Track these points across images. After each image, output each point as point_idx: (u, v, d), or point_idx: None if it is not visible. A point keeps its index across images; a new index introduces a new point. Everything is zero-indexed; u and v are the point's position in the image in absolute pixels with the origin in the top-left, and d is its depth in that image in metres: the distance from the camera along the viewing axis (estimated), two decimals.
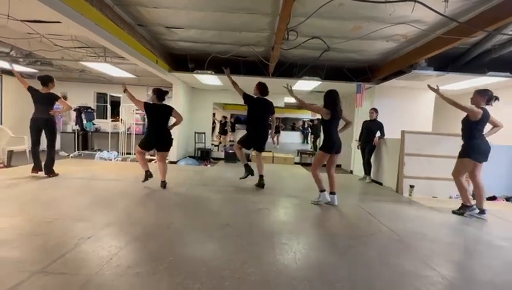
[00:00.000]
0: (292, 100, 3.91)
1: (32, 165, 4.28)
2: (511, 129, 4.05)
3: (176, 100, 7.36)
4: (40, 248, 1.98)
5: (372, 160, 5.69)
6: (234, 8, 3.70)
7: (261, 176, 4.38)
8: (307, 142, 18.56)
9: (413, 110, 6.44)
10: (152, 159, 6.85)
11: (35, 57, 6.03)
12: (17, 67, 6.37)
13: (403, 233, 2.76)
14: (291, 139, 19.92)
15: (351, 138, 7.42)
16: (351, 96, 7.14)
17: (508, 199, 4.73)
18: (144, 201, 3.41)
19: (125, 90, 3.97)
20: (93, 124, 8.79)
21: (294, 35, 4.22)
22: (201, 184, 4.49)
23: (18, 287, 1.52)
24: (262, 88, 4.29)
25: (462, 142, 3.47)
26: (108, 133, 8.16)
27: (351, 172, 7.26)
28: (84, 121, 8.63)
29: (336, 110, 3.47)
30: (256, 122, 4.29)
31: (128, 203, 3.31)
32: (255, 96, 4.30)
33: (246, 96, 4.22)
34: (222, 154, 8.70)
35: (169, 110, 3.94)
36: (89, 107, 8.79)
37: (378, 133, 5.53)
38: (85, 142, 8.75)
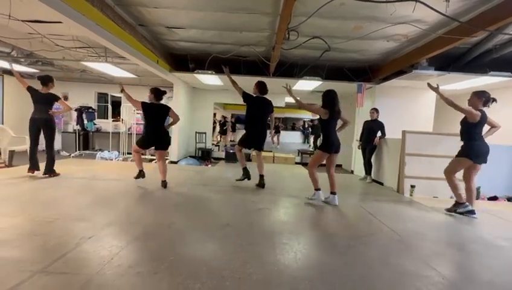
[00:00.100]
0: (293, 100, 3.91)
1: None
2: None
3: (177, 100, 7.36)
4: (41, 248, 1.98)
5: (373, 160, 5.69)
6: (234, 8, 3.70)
7: (261, 176, 4.37)
8: (308, 142, 18.56)
9: (414, 110, 6.43)
10: (153, 159, 6.86)
11: (36, 57, 6.05)
12: (18, 67, 6.40)
13: (403, 233, 2.76)
14: (291, 139, 19.92)
15: (351, 138, 7.42)
16: (351, 96, 7.13)
17: (509, 199, 4.72)
18: (145, 201, 3.42)
19: (122, 90, 4.00)
20: (94, 124, 8.82)
21: (295, 35, 4.22)
22: (201, 184, 4.49)
23: (19, 286, 1.52)
24: (261, 87, 4.29)
25: (461, 143, 3.47)
26: (109, 133, 8.17)
27: (352, 172, 7.26)
28: (85, 121, 8.66)
29: (334, 110, 3.48)
30: (255, 121, 4.29)
31: (129, 203, 3.31)
32: (254, 95, 4.30)
33: (245, 95, 4.23)
34: (223, 154, 8.71)
35: (166, 110, 3.96)
36: (90, 107, 8.82)
37: (379, 133, 5.52)
38: (86, 142, 8.77)
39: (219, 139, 13.47)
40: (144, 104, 3.86)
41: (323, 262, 2.06)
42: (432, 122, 6.48)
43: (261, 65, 5.81)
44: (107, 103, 9.13)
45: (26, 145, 5.85)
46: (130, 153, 7.49)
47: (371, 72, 6.17)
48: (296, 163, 8.51)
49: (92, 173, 4.83)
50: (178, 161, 7.47)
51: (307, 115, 19.42)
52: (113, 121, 8.72)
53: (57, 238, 2.14)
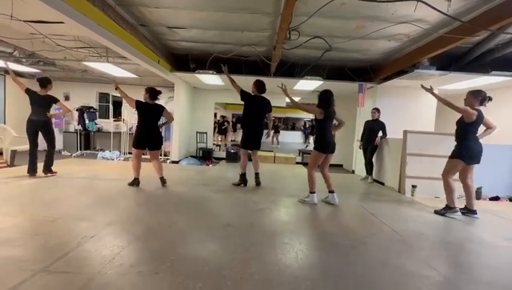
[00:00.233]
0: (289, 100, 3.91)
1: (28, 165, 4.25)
2: None
3: (178, 100, 7.37)
4: (42, 247, 1.99)
5: (374, 160, 5.68)
6: (235, 7, 3.70)
7: (256, 174, 4.40)
8: (309, 142, 18.56)
9: (416, 109, 6.41)
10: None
11: (38, 57, 6.06)
12: (20, 68, 6.43)
13: (405, 233, 2.75)
14: (292, 139, 19.92)
15: (352, 138, 7.41)
16: (353, 96, 7.12)
17: (511, 199, 4.69)
18: (146, 201, 3.43)
19: (116, 88, 4.03)
20: (96, 124, 8.83)
21: (296, 35, 4.21)
22: (202, 184, 4.49)
23: (20, 286, 1.53)
24: (259, 86, 4.31)
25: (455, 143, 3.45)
26: (110, 133, 8.19)
27: (353, 172, 7.25)
28: (87, 121, 8.68)
29: (329, 109, 3.49)
30: (253, 120, 4.30)
31: (130, 202, 3.32)
32: (252, 94, 4.31)
33: (243, 93, 4.24)
34: (223, 154, 8.71)
35: (161, 110, 3.99)
36: (91, 107, 8.84)
37: (380, 133, 5.51)
38: (87, 142, 8.79)
39: (219, 139, 13.45)
40: (138, 102, 3.87)
41: (324, 262, 2.06)
42: (434, 122, 6.46)
43: (262, 65, 5.81)
44: (109, 102, 9.14)
45: (27, 145, 5.87)
46: (131, 153, 7.51)
47: (372, 71, 6.16)
48: (297, 163, 8.51)
49: (93, 172, 4.85)
50: (179, 161, 7.48)
51: (307, 115, 19.40)
52: (114, 121, 8.73)
53: (58, 237, 2.15)
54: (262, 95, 4.35)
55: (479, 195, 4.52)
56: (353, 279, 1.84)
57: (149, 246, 2.13)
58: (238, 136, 12.33)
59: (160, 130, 4.10)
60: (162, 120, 4.21)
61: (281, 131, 17.60)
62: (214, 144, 10.41)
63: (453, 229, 3.06)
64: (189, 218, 2.85)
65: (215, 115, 13.58)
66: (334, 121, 3.68)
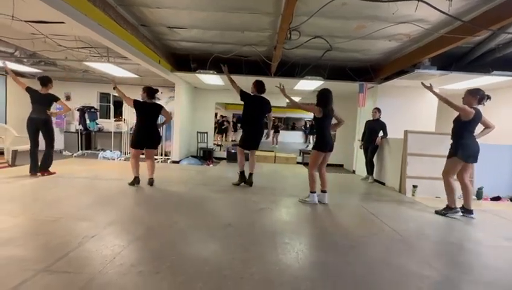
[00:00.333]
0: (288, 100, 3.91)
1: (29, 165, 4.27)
2: None
3: (178, 100, 7.37)
4: (44, 247, 2.00)
5: (374, 160, 5.67)
6: (236, 7, 3.70)
7: (250, 174, 4.40)
8: (309, 142, 18.55)
9: (416, 109, 6.40)
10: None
11: (39, 57, 6.07)
12: (21, 68, 6.44)
13: (405, 233, 2.75)
14: (292, 139, 19.92)
15: (353, 138, 7.40)
16: (353, 96, 7.11)
17: None
18: (146, 200, 3.43)
19: (115, 88, 4.05)
20: (97, 124, 8.85)
21: (297, 35, 4.21)
22: (203, 184, 4.50)
23: (22, 285, 1.53)
24: (259, 86, 4.32)
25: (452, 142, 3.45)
26: (111, 132, 8.20)
27: (354, 172, 7.24)
28: (88, 121, 8.70)
29: (328, 108, 3.51)
30: (252, 121, 4.31)
31: (131, 202, 3.33)
32: (252, 94, 4.32)
33: (242, 93, 4.26)
34: (224, 154, 8.71)
35: (159, 109, 4.00)
36: (92, 107, 8.85)
37: (381, 133, 5.51)
38: (88, 141, 8.81)
39: (218, 139, 13.45)
40: (136, 102, 3.89)
41: (325, 262, 2.06)
42: (434, 122, 6.44)
43: (263, 65, 5.81)
44: (109, 102, 9.15)
45: (28, 145, 5.88)
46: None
47: (372, 71, 6.15)
48: (298, 163, 8.51)
49: (94, 172, 4.86)
50: (180, 161, 7.48)
51: (307, 115, 19.39)
52: (115, 120, 8.74)
53: (59, 237, 2.16)
54: (262, 95, 4.36)
55: (480, 195, 4.51)
56: (353, 279, 1.84)
57: (150, 245, 2.14)
58: (239, 136, 12.31)
59: (159, 129, 4.11)
60: (161, 119, 4.22)
61: (281, 131, 17.61)
62: (214, 143, 10.42)
63: (454, 229, 3.06)
64: (189, 218, 2.85)
65: (216, 115, 13.58)
66: (334, 120, 3.69)
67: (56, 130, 7.59)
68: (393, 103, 6.29)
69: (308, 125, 19.91)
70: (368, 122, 5.76)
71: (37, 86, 4.27)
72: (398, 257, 2.21)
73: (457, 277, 1.97)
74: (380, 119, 5.56)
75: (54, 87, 4.45)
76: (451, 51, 4.30)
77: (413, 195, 4.47)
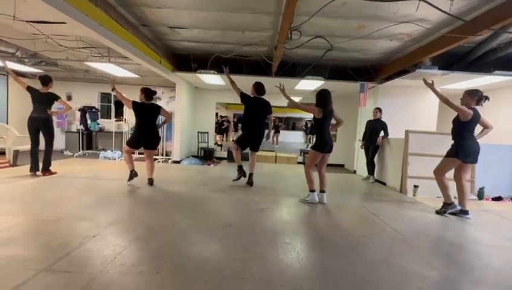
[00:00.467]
0: (294, 99, 3.91)
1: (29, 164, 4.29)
2: None
3: (179, 100, 7.38)
4: (45, 247, 2.00)
5: (375, 160, 5.66)
6: (237, 7, 3.70)
7: (250, 174, 4.41)
8: (310, 142, 18.53)
9: (417, 109, 6.38)
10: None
11: (40, 57, 6.09)
12: (23, 68, 6.45)
13: (406, 233, 2.75)
14: (293, 139, 19.92)
15: (354, 138, 7.39)
16: (354, 96, 7.10)
17: None
18: (147, 200, 3.44)
19: (113, 89, 4.07)
20: (98, 124, 8.87)
21: (298, 35, 4.21)
22: (204, 184, 4.50)
23: (24, 285, 1.54)
24: (258, 88, 4.33)
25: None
26: (112, 132, 8.22)
27: (354, 172, 7.23)
28: (89, 121, 8.71)
29: (327, 108, 3.51)
30: (253, 122, 4.32)
31: (132, 202, 3.33)
32: (252, 96, 4.32)
33: (242, 95, 4.27)
34: (225, 154, 8.72)
35: (157, 109, 4.02)
36: (93, 107, 8.87)
37: (382, 133, 5.49)
38: (89, 141, 8.83)
39: (217, 139, 13.46)
40: (135, 103, 3.91)
41: (326, 262, 2.06)
42: (436, 122, 6.43)
43: (264, 65, 5.81)
44: (110, 102, 9.16)
45: (30, 145, 5.90)
46: (133, 153, 7.52)
47: (373, 71, 6.14)
48: (299, 163, 8.50)
49: (95, 172, 4.87)
50: (180, 161, 7.49)
51: (308, 115, 19.35)
52: (116, 120, 8.75)
53: (61, 237, 2.16)
54: (262, 96, 4.36)
55: (481, 195, 4.50)
56: (354, 279, 1.84)
57: (150, 245, 2.14)
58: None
59: (159, 129, 4.13)
60: (161, 120, 4.23)
61: (282, 131, 17.61)
62: (215, 143, 10.42)
63: (455, 229, 3.05)
64: (190, 218, 2.86)
65: (216, 114, 13.56)
66: (333, 120, 3.69)
67: (57, 130, 7.61)
68: (394, 103, 6.28)
69: (308, 125, 19.90)
70: (368, 122, 5.75)
71: (38, 85, 4.28)
72: (399, 257, 2.20)
73: (458, 277, 1.96)
74: (381, 119, 5.55)
75: (55, 88, 4.46)
76: (453, 50, 4.29)
77: (414, 195, 4.46)
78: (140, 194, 3.65)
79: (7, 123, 7.42)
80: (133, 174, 4.00)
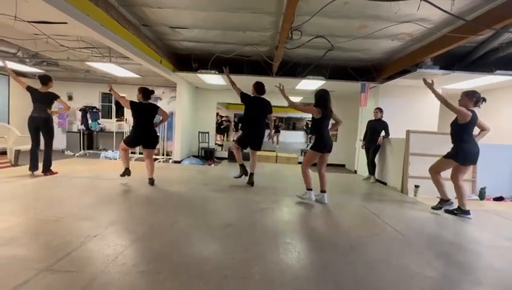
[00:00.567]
0: (294, 100, 3.91)
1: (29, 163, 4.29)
2: None
3: (180, 100, 7.38)
4: (46, 246, 2.01)
5: (376, 160, 5.65)
6: (237, 7, 3.70)
7: (251, 174, 4.41)
8: (311, 142, 18.49)
9: (419, 109, 6.37)
10: (156, 159, 6.86)
11: (41, 57, 6.10)
12: (24, 68, 6.46)
13: (407, 233, 2.74)
14: (294, 138, 19.91)
15: (355, 138, 7.38)
16: (355, 96, 7.09)
17: None
18: (148, 200, 3.44)
19: (110, 89, 4.11)
20: (98, 124, 8.88)
21: (298, 35, 4.20)
22: (204, 183, 4.50)
23: (25, 284, 1.54)
24: (258, 87, 4.33)
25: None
26: (113, 132, 8.23)
27: (355, 172, 7.22)
28: (90, 121, 8.72)
29: (327, 109, 3.51)
30: (253, 122, 4.32)
31: (133, 202, 3.34)
32: (252, 95, 4.33)
33: (242, 95, 4.28)
34: (225, 154, 8.72)
35: (155, 109, 4.04)
36: (94, 107, 8.88)
37: (382, 133, 5.49)
38: (90, 141, 8.84)
39: (217, 139, 13.45)
40: (132, 103, 3.94)
41: (327, 262, 2.06)
42: (437, 122, 6.41)
43: (264, 65, 5.81)
44: (111, 102, 9.17)
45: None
46: (134, 153, 7.54)
47: (374, 71, 6.13)
48: (299, 163, 8.50)
49: (96, 172, 4.87)
50: (181, 161, 7.50)
51: (309, 115, 19.31)
52: (117, 120, 8.76)
53: (61, 237, 2.17)
54: (262, 96, 4.36)
55: (482, 195, 4.48)
56: (354, 279, 1.84)
57: (151, 245, 2.14)
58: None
59: (156, 128, 4.14)
60: (159, 119, 4.25)
61: (282, 131, 17.60)
62: (216, 143, 10.43)
63: (456, 229, 3.04)
64: (191, 218, 2.86)
65: (217, 114, 13.55)
66: (332, 121, 3.69)
67: (58, 130, 7.61)
68: (395, 103, 6.26)
69: (309, 126, 19.90)
70: (369, 122, 5.74)
71: (38, 85, 4.29)
72: (400, 257, 2.20)
73: (458, 277, 1.95)
74: (382, 119, 5.54)
75: (56, 88, 4.47)
76: (454, 50, 4.28)
77: (415, 195, 4.45)
78: (141, 194, 3.65)
79: (8, 123, 7.44)
80: (126, 172, 4.08)
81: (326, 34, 4.39)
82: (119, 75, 7.26)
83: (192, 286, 1.63)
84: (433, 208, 3.59)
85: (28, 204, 2.98)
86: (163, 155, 7.97)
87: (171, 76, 6.42)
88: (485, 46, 4.33)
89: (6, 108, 8.09)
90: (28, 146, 5.73)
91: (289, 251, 2.17)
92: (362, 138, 6.00)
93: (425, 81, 3.39)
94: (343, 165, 8.66)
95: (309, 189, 3.64)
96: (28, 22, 4.11)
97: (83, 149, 8.39)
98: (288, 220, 3.04)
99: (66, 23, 3.33)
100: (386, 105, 5.85)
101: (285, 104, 3.90)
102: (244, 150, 4.55)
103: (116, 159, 7.28)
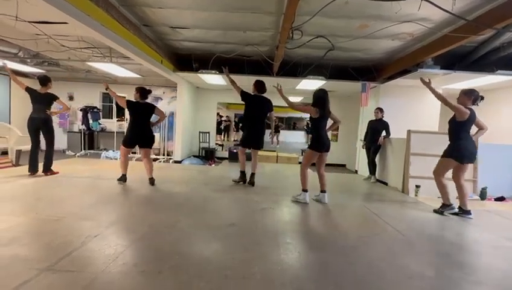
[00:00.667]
0: (295, 99, 3.91)
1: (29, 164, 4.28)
2: None
3: (181, 100, 7.39)
4: (47, 246, 2.01)
5: (377, 160, 5.65)
6: (238, 7, 3.70)
7: (252, 174, 4.41)
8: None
9: (419, 109, 6.37)
10: (155, 159, 6.86)
11: (42, 57, 6.11)
12: (25, 68, 6.48)
13: (408, 233, 2.74)
14: (294, 138, 19.92)
15: (355, 138, 7.38)
16: (356, 95, 7.08)
17: None
18: (149, 200, 3.44)
19: (107, 88, 4.13)
20: (99, 124, 8.89)
21: (299, 34, 4.20)
22: (205, 183, 4.50)
23: (26, 284, 1.54)
24: (259, 86, 4.34)
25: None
26: (113, 132, 8.24)
27: (356, 172, 7.22)
28: (90, 121, 8.74)
29: (325, 109, 3.51)
30: (254, 120, 4.32)
31: (133, 202, 3.34)
32: (253, 94, 4.34)
33: (243, 94, 4.29)
34: (226, 154, 8.72)
35: (152, 108, 4.05)
36: (95, 107, 8.90)
37: (383, 133, 5.48)
38: (91, 141, 8.86)
39: (216, 139, 13.44)
40: (129, 102, 3.95)
41: (327, 262, 2.05)
42: (438, 122, 6.41)
43: (265, 65, 5.81)
44: (112, 102, 9.20)
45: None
46: (134, 153, 7.55)
47: (375, 71, 6.13)
48: (300, 163, 8.49)
49: (96, 172, 4.88)
50: (182, 161, 7.50)
51: (309, 115, 19.30)
52: (117, 120, 8.79)
53: (62, 236, 2.17)
54: (263, 95, 4.36)
55: (483, 195, 4.47)
56: (355, 279, 1.83)
57: (152, 245, 2.14)
58: (240, 136, 12.28)
59: (152, 128, 4.15)
60: (156, 119, 4.25)
61: (283, 131, 17.58)
62: (217, 143, 10.44)
63: (457, 229, 3.04)
64: (191, 218, 2.86)
65: (218, 114, 13.55)
66: (330, 120, 3.68)
67: (59, 130, 7.63)
68: (396, 103, 6.26)
69: (309, 125, 19.89)
70: (370, 122, 5.73)
71: (38, 86, 4.29)
72: (401, 257, 2.19)
73: (459, 277, 1.95)
74: (383, 119, 5.54)
75: (57, 88, 4.48)
76: (455, 50, 4.27)
77: (416, 195, 4.44)
78: (142, 194, 3.65)
79: (9, 123, 7.45)
80: (122, 178, 4.04)
81: (327, 33, 4.38)
82: (119, 75, 7.27)
83: (192, 285, 1.63)
84: (435, 211, 3.56)
85: (29, 204, 2.98)
86: (163, 155, 7.98)
87: (171, 76, 6.43)
88: (486, 46, 4.32)
89: (8, 108, 8.11)
90: (28, 146, 5.74)
91: (290, 251, 2.17)
92: (363, 138, 6.00)
93: (422, 80, 3.39)
94: (343, 165, 8.66)
95: (304, 190, 3.62)
96: (29, 22, 4.11)
97: (84, 149, 8.40)
98: (288, 220, 3.04)
99: (66, 23, 3.34)
100: (387, 105, 5.84)
101: (285, 104, 3.89)
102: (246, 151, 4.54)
103: (117, 159, 7.29)
